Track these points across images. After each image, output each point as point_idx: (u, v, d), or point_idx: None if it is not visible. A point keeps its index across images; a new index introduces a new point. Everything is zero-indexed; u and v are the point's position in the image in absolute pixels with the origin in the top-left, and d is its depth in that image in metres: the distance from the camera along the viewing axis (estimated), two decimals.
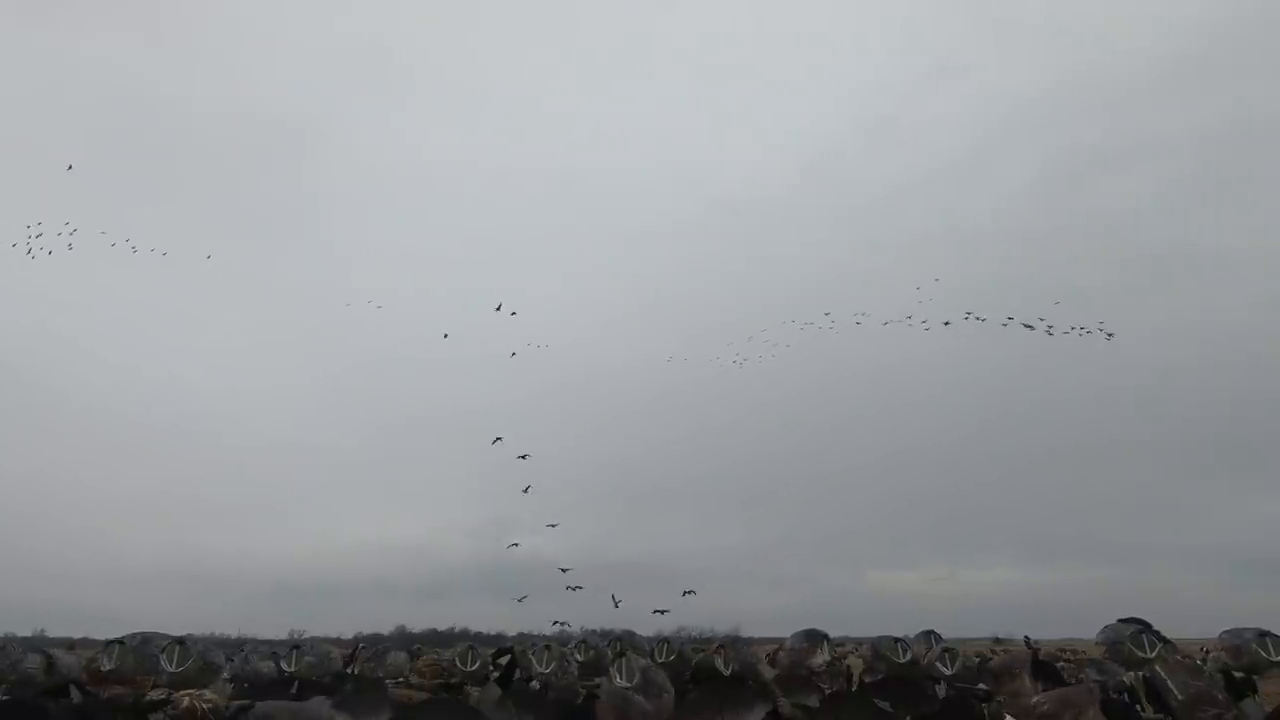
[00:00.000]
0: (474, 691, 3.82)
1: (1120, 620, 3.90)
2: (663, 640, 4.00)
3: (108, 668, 3.13)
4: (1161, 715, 3.04)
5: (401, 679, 4.54)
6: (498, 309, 17.95)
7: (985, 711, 3.21)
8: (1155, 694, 3.18)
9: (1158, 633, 3.47)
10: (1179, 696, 3.05)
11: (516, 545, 12.51)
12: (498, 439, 13.61)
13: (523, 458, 13.20)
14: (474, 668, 3.76)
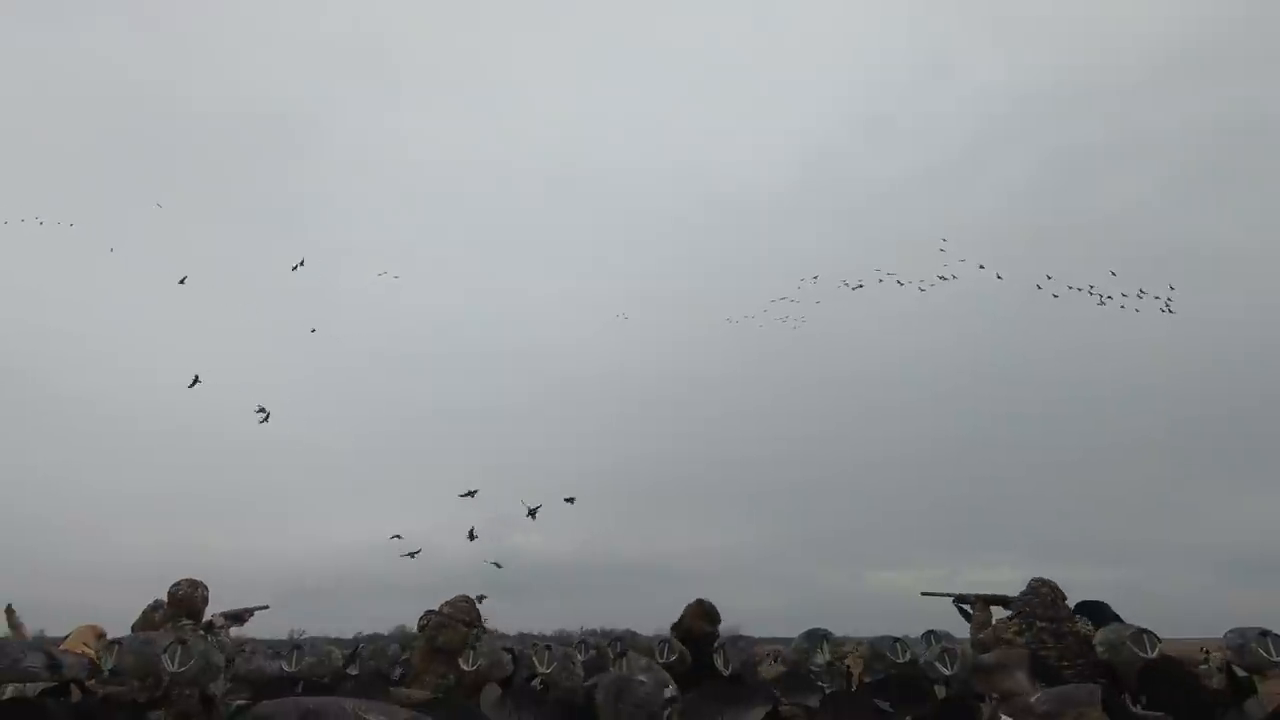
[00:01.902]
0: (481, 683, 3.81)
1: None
2: (664, 640, 3.99)
3: (108, 667, 3.12)
4: (1161, 715, 3.04)
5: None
6: (294, 268, 18.32)
7: (985, 711, 3.20)
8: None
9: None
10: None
11: (400, 540, 12.33)
12: (195, 380, 13.62)
13: (262, 414, 13.20)
14: (474, 667, 3.76)
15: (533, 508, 11.76)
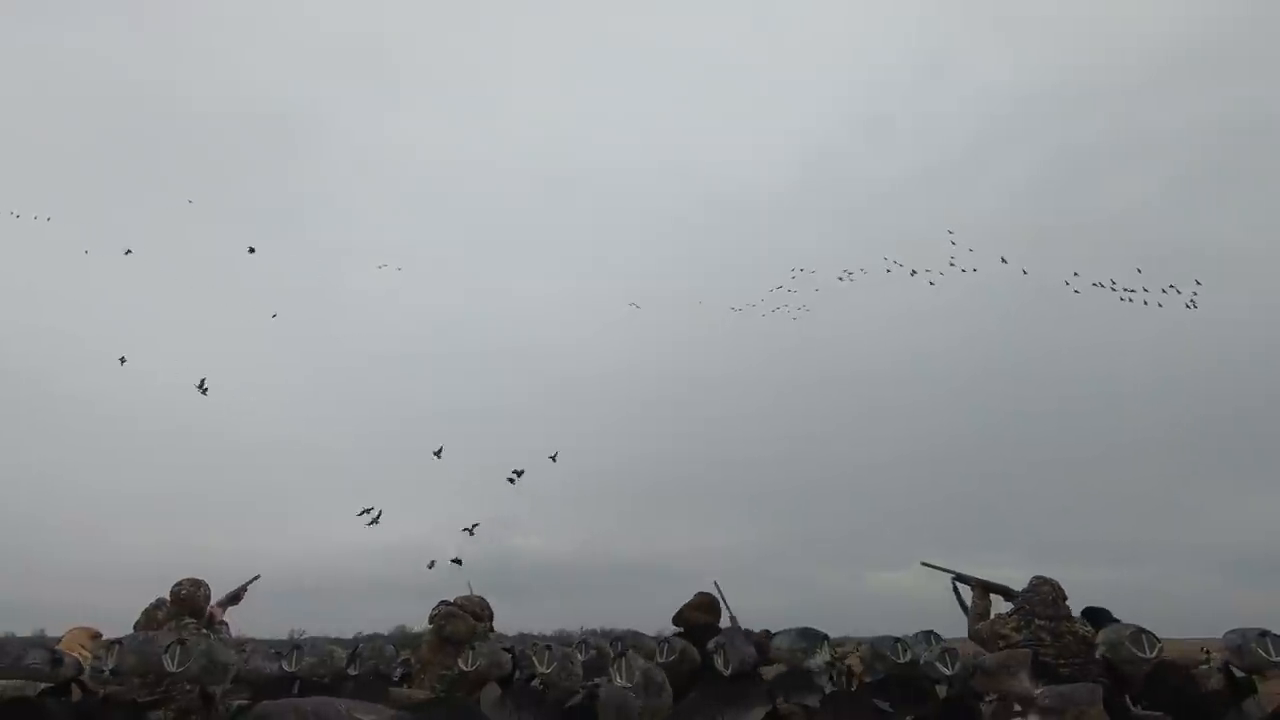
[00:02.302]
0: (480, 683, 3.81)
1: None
2: (664, 640, 3.99)
3: (109, 667, 3.13)
4: (1161, 715, 3.04)
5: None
6: (250, 250, 18.56)
7: (985, 711, 3.20)
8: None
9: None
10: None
11: (369, 514, 12.47)
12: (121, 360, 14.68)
13: (202, 388, 13.80)
14: (473, 667, 3.76)
15: (516, 471, 12.10)
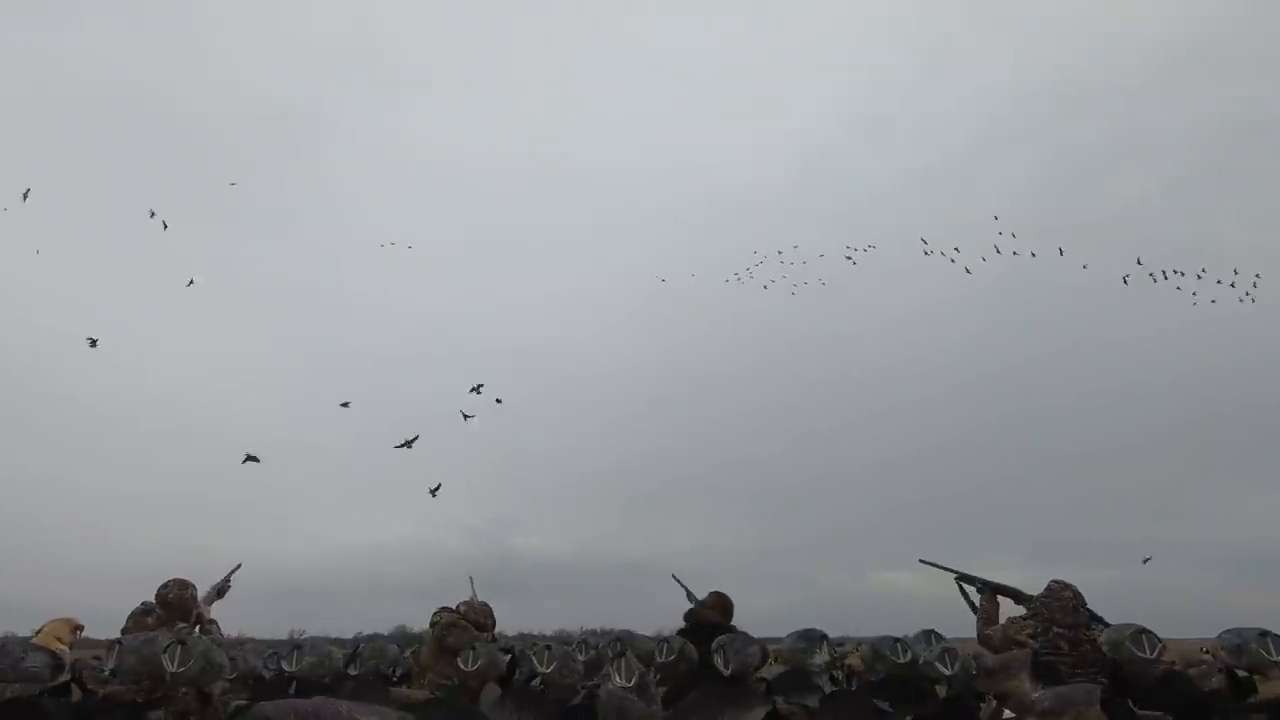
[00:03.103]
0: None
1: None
2: (663, 640, 3.98)
3: (108, 667, 3.12)
4: (1161, 714, 3.04)
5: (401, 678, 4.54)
6: (158, 219, 16.91)
7: (985, 711, 3.20)
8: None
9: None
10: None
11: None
12: None
13: (91, 343, 13.68)
14: (474, 668, 3.76)
15: (475, 388, 13.01)
